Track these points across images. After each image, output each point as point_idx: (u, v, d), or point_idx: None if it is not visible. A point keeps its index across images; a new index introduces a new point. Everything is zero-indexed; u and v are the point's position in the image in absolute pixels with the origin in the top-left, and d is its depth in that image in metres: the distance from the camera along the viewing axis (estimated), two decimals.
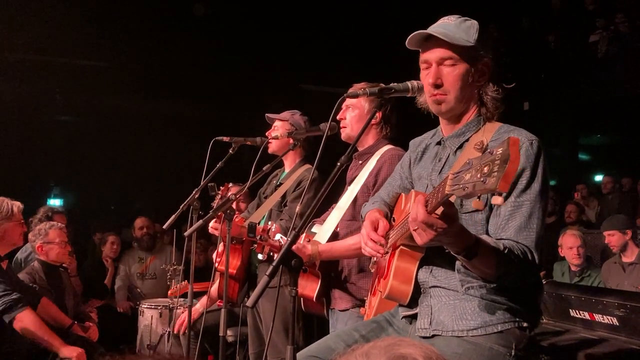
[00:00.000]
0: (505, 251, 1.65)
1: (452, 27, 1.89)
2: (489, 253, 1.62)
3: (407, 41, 1.92)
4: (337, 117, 2.98)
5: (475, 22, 1.93)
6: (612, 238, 5.15)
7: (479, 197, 1.29)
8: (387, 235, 1.99)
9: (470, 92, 1.91)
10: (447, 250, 1.67)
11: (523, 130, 1.84)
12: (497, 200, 1.28)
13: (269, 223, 2.84)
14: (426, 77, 1.91)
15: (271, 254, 2.81)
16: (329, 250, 2.76)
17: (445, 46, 1.86)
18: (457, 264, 1.74)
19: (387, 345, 0.94)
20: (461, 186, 1.30)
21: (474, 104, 1.93)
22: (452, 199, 1.49)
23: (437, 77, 1.88)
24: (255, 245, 2.85)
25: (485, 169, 1.24)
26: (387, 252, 2.03)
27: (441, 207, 1.46)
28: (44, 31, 7.25)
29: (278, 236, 2.77)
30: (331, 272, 2.92)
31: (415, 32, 1.89)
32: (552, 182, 10.67)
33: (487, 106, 1.90)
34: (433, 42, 1.89)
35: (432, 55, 1.89)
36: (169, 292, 4.64)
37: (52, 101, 8.43)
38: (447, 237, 1.54)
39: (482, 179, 1.23)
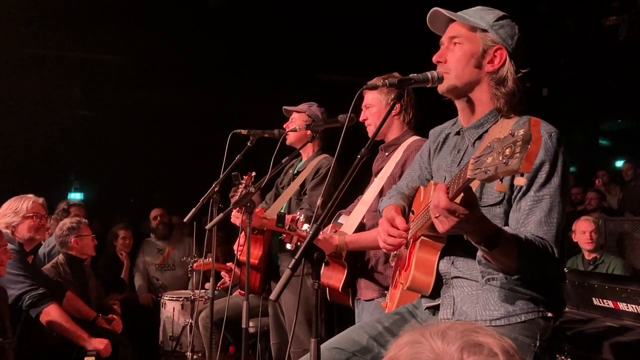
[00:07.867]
0: (526, 243, 1.63)
1: (471, 11, 1.92)
2: (510, 244, 1.60)
3: (429, 23, 1.97)
4: (360, 119, 2.99)
5: (499, 12, 1.91)
6: None
7: (501, 180, 1.27)
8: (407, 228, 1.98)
9: (475, 75, 1.87)
10: (467, 240, 1.66)
11: (543, 122, 1.77)
12: (520, 181, 1.27)
13: (297, 213, 2.85)
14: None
15: (298, 243, 2.81)
16: (356, 240, 2.78)
17: (457, 26, 1.90)
18: (478, 255, 1.72)
19: (464, 330, 0.91)
20: (483, 169, 1.28)
21: (487, 92, 1.88)
22: (474, 185, 1.47)
23: (441, 54, 1.91)
24: (284, 236, 2.86)
25: (507, 151, 1.22)
26: (407, 244, 2.02)
27: (462, 193, 1.45)
28: (62, 26, 7.30)
29: (306, 226, 2.78)
30: (357, 263, 2.92)
31: (432, 10, 1.93)
32: (572, 169, 10.58)
33: (499, 99, 1.86)
34: (450, 25, 1.93)
35: (445, 35, 1.93)
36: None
37: (71, 96, 8.50)
38: (469, 224, 1.52)
39: (504, 161, 1.22)
